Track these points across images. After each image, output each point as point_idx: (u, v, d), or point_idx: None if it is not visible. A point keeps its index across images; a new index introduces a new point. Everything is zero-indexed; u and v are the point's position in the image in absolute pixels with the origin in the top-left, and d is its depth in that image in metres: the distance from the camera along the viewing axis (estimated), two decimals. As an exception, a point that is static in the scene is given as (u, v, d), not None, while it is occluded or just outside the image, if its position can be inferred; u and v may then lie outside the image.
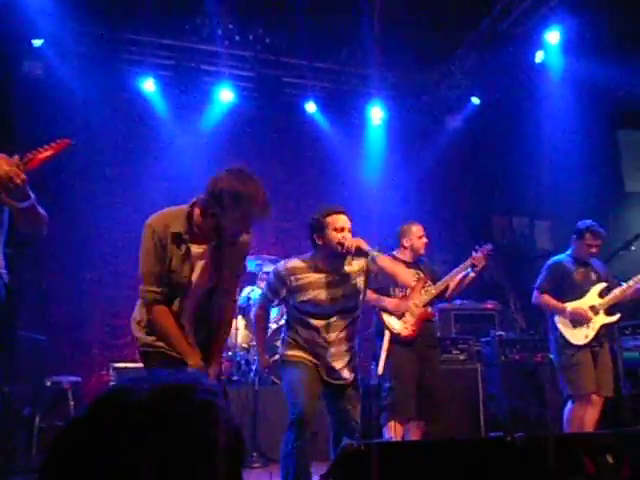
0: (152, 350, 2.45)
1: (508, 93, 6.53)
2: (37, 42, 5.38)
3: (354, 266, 3.10)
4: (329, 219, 2.97)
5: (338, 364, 3.06)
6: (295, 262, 3.06)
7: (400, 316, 3.89)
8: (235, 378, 5.23)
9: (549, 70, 6.17)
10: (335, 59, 6.62)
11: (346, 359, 3.09)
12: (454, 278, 4.02)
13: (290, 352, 3.07)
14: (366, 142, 7.34)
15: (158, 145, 6.45)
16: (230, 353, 5.27)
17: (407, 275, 3.35)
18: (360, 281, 3.12)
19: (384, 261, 3.05)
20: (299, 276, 3.01)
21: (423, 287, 4.01)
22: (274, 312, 5.53)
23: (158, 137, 6.47)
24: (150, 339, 2.46)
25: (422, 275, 4.05)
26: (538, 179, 6.76)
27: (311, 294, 3.00)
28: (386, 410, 3.79)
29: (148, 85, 6.36)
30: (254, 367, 5.15)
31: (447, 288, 4.04)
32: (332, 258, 3.02)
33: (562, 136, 6.32)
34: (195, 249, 2.44)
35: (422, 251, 4.07)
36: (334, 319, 3.04)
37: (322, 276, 3.03)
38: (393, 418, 3.71)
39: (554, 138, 6.39)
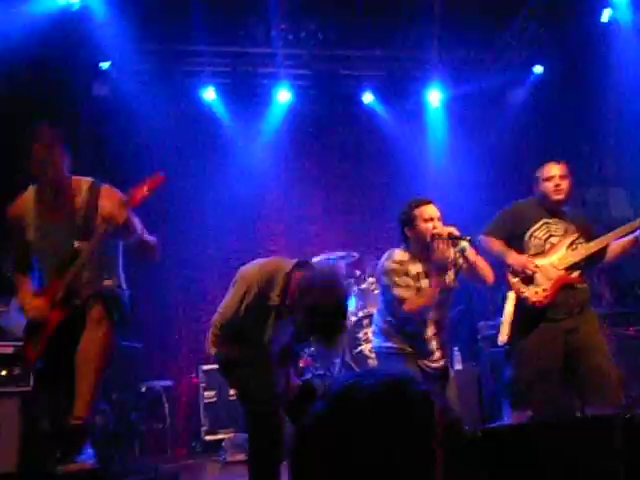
0: None
1: (574, 59, 6.36)
2: (105, 65, 5.82)
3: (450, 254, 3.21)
4: (417, 211, 3.13)
5: (435, 351, 3.22)
6: (398, 254, 3.22)
7: (528, 278, 3.36)
8: (320, 372, 5.48)
9: (618, 28, 5.93)
10: (390, 45, 6.71)
11: (442, 346, 3.26)
12: (620, 236, 3.38)
13: (387, 343, 3.24)
14: (426, 126, 7.36)
15: (223, 153, 6.76)
16: (312, 348, 5.57)
17: (490, 273, 3.23)
18: (450, 273, 3.25)
19: (472, 255, 3.15)
20: (408, 267, 3.18)
21: (571, 244, 3.43)
22: (352, 304, 5.79)
23: (222, 145, 6.78)
24: None
25: (570, 227, 3.48)
26: (611, 147, 6.66)
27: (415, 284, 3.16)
28: (508, 398, 3.44)
29: (208, 94, 6.69)
30: (338, 360, 5.44)
31: (605, 249, 3.43)
32: (425, 249, 3.14)
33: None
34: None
35: (558, 197, 3.44)
36: (432, 308, 3.18)
37: (421, 266, 3.20)
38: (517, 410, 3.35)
39: (629, 102, 6.10)
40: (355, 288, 5.80)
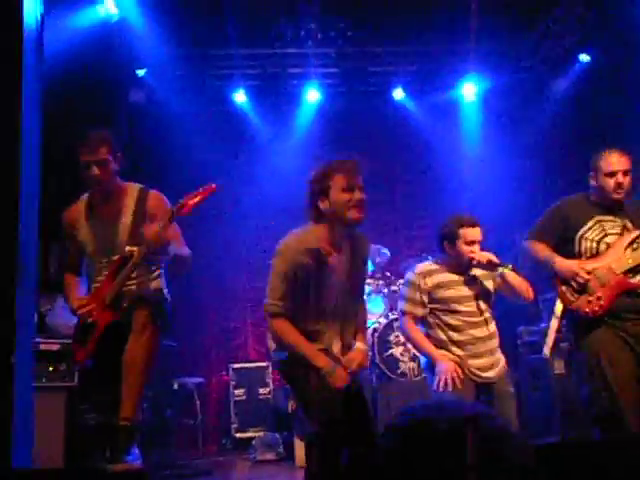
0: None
1: (625, 44, 5.95)
2: (141, 72, 6.10)
3: (480, 271, 3.28)
4: (462, 231, 3.16)
5: (482, 363, 3.18)
6: (422, 265, 3.33)
7: (581, 285, 3.10)
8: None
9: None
10: (421, 39, 6.66)
11: (492, 355, 3.22)
12: None
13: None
14: (460, 121, 7.32)
15: (254, 154, 6.94)
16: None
17: (529, 292, 3.18)
18: (489, 284, 3.30)
19: (513, 278, 3.15)
20: (434, 277, 3.24)
21: (631, 244, 3.13)
22: (381, 306, 5.90)
23: (253, 146, 6.97)
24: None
25: (629, 224, 3.19)
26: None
27: (445, 292, 3.22)
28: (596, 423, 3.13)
29: (239, 97, 6.90)
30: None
31: None
32: (460, 265, 3.25)
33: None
34: (331, 261, 2.67)
35: (618, 196, 3.15)
36: (472, 318, 3.20)
37: (454, 276, 3.25)
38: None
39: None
40: (385, 290, 5.89)
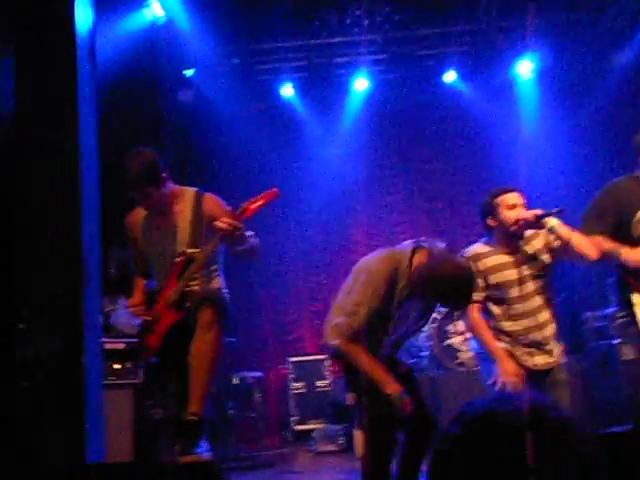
0: None
1: None
2: (189, 72, 6.23)
3: (536, 244, 3.10)
4: (499, 199, 3.07)
5: (538, 347, 3.09)
6: (473, 249, 3.17)
7: None
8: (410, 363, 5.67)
9: None
10: (472, 17, 6.54)
11: (546, 342, 3.10)
12: None
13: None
14: (516, 101, 7.15)
15: (303, 147, 7.03)
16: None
17: (591, 249, 3.00)
18: (546, 257, 3.11)
19: (565, 232, 2.97)
20: (484, 260, 3.11)
21: None
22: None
23: (302, 139, 7.05)
24: None
25: None
26: None
27: (496, 277, 3.09)
28: None
29: (287, 90, 6.95)
30: (426, 353, 5.55)
31: None
32: (509, 239, 3.08)
33: None
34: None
35: None
36: (527, 302, 3.08)
37: (505, 257, 3.10)
38: None
39: None
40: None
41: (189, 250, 3.06)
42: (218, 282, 3.23)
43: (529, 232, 3.11)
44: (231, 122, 6.64)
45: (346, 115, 7.15)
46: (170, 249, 3.12)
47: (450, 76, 7.07)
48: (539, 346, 3.10)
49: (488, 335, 3.11)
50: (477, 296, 3.08)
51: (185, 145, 6.41)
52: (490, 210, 3.12)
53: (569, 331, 5.73)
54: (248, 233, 3.00)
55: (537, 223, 3.03)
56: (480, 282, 3.08)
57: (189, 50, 5.99)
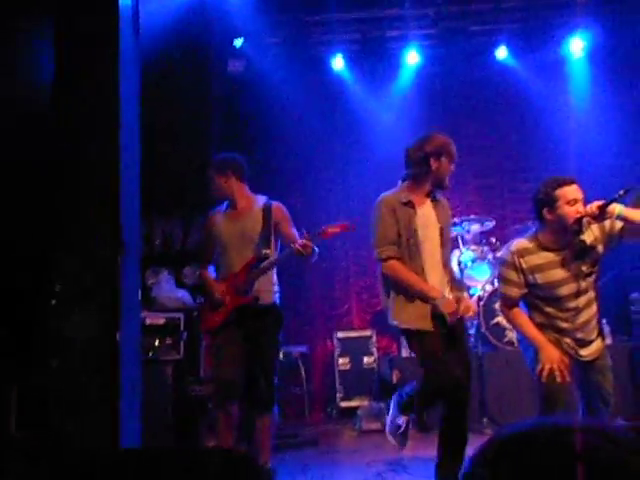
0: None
1: None
2: (238, 41, 5.93)
3: (591, 234, 2.85)
4: (560, 191, 2.77)
5: (583, 342, 2.90)
6: (518, 243, 2.92)
7: None
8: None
9: None
10: None
11: (592, 334, 2.92)
12: None
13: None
14: (567, 80, 6.78)
15: (353, 121, 6.69)
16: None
17: None
18: (600, 248, 2.86)
19: (634, 214, 2.71)
20: (528, 258, 2.87)
21: None
22: (486, 273, 5.50)
23: (352, 112, 6.70)
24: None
25: None
26: None
27: (543, 276, 2.85)
28: None
29: (337, 63, 6.67)
30: (472, 331, 5.21)
31: None
32: (562, 234, 2.83)
33: None
34: (420, 210, 3.01)
35: None
36: (577, 301, 2.86)
37: (552, 255, 2.86)
38: None
39: None
40: (490, 256, 5.48)
41: (265, 250, 3.38)
42: (273, 278, 3.53)
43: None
44: (281, 93, 6.36)
45: (396, 89, 6.83)
46: (243, 246, 3.41)
47: (501, 52, 6.73)
48: (586, 341, 2.92)
49: (527, 323, 2.92)
50: (512, 292, 2.93)
51: (234, 116, 6.15)
52: (548, 202, 2.81)
53: (616, 312, 5.34)
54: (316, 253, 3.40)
55: (601, 215, 2.72)
56: (518, 278, 2.89)
57: (239, 19, 5.70)
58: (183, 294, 4.51)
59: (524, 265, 2.86)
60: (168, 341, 3.73)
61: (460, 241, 5.62)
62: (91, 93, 2.51)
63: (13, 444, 2.07)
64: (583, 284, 2.85)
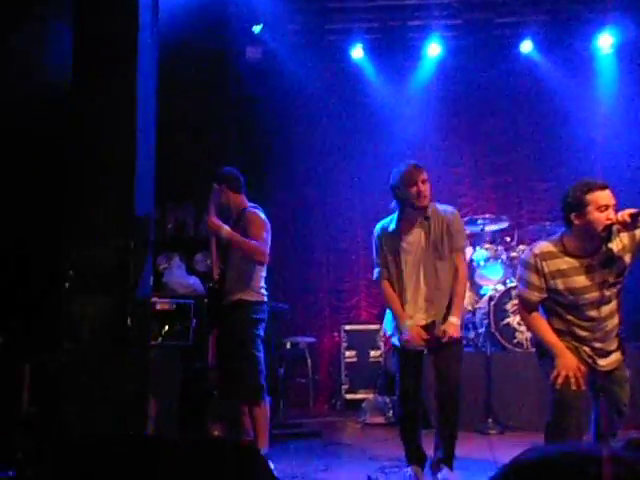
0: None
1: None
2: (257, 28, 5.95)
3: (619, 243, 2.79)
4: (590, 196, 2.68)
5: (602, 352, 2.88)
6: (543, 246, 2.89)
7: None
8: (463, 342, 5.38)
9: None
10: None
11: (612, 345, 2.90)
12: None
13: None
14: (594, 76, 6.66)
15: (370, 111, 6.67)
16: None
17: None
18: (628, 257, 2.82)
19: None
20: (551, 262, 2.83)
21: None
22: (499, 273, 5.51)
23: (370, 103, 6.69)
24: None
25: None
26: None
27: (565, 282, 2.82)
28: None
29: (357, 52, 6.65)
30: (482, 330, 5.25)
31: None
32: (589, 240, 2.77)
33: None
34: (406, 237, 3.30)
35: None
36: (599, 309, 2.83)
37: (576, 261, 2.81)
38: None
39: None
40: (504, 255, 5.50)
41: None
42: (247, 275, 3.75)
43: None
44: (299, 81, 6.38)
45: (416, 81, 6.80)
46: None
47: (526, 46, 6.65)
48: (605, 352, 2.90)
49: (546, 329, 2.90)
50: (532, 296, 2.90)
51: (251, 104, 6.18)
52: (577, 206, 2.73)
53: (633, 317, 5.30)
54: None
55: (633, 223, 2.67)
56: (539, 282, 2.86)
57: (258, 5, 5.71)
58: (194, 281, 4.61)
59: (546, 269, 2.82)
60: (177, 327, 3.81)
61: (478, 240, 5.65)
62: (109, 82, 2.58)
63: (25, 421, 2.17)
64: (607, 293, 2.81)
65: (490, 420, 4.69)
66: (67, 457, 2.00)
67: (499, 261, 5.47)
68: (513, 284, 5.20)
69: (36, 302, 2.34)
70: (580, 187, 2.74)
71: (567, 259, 2.81)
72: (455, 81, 6.73)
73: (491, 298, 5.26)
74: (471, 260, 5.47)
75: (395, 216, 3.33)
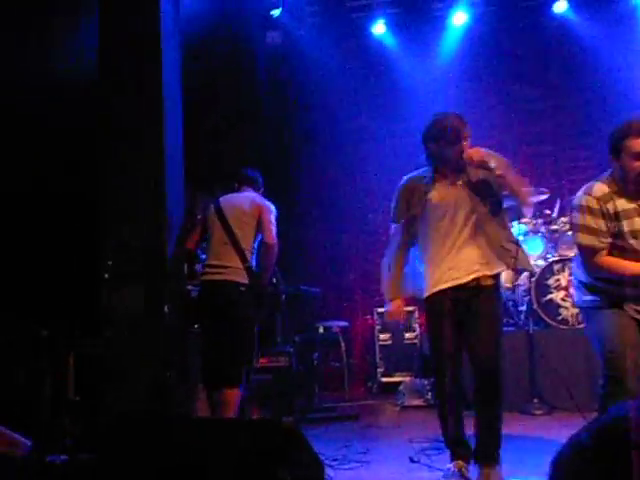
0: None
1: None
2: (275, 12, 6.01)
3: None
4: (627, 141, 2.73)
5: None
6: (599, 188, 2.83)
7: None
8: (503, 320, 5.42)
9: None
10: None
11: None
12: None
13: (589, 297, 2.93)
14: (635, 34, 6.47)
15: (398, 88, 6.71)
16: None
17: None
18: None
19: None
20: (611, 204, 2.80)
21: None
22: (539, 247, 5.51)
23: (396, 81, 6.73)
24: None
25: None
26: None
27: (629, 224, 2.79)
28: None
29: (378, 28, 6.68)
30: (523, 308, 5.25)
31: None
32: (631, 184, 2.78)
33: None
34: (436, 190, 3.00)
35: None
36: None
37: (628, 204, 2.80)
38: None
39: None
40: (544, 229, 5.52)
41: None
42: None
43: None
44: (320, 62, 6.46)
45: (442, 52, 6.79)
46: None
47: (560, 5, 6.56)
48: None
49: (623, 263, 2.79)
50: (596, 242, 2.81)
51: (274, 88, 6.26)
52: (615, 150, 2.80)
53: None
54: None
55: None
56: (605, 227, 2.80)
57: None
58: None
59: (611, 210, 2.80)
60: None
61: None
62: (134, 73, 2.71)
63: (71, 408, 2.35)
64: None
65: (536, 400, 4.65)
66: (112, 438, 2.13)
67: (539, 235, 5.47)
68: (555, 258, 5.22)
69: (76, 294, 2.51)
70: (618, 131, 2.80)
71: (619, 200, 2.81)
72: (483, 49, 6.68)
73: (532, 274, 5.19)
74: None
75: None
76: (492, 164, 2.87)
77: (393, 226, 3.15)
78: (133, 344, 2.59)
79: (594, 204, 2.80)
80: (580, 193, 2.91)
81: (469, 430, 3.01)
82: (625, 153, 2.74)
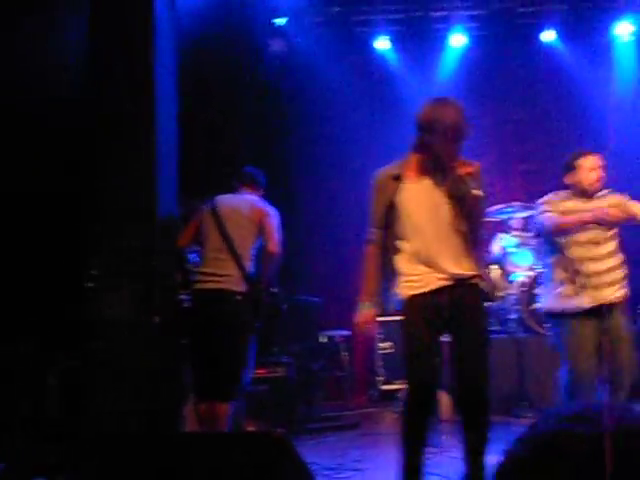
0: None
1: None
2: (280, 21, 5.73)
3: (607, 200, 3.14)
4: (581, 160, 3.17)
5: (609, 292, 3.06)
6: (556, 193, 3.26)
7: None
8: (494, 328, 5.15)
9: None
10: None
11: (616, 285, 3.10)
12: None
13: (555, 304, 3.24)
14: (614, 65, 6.45)
15: (398, 103, 6.36)
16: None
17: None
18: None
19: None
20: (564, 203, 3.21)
21: None
22: (528, 260, 5.30)
23: (397, 95, 6.45)
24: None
25: None
26: None
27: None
28: None
29: (381, 44, 6.47)
30: (514, 316, 5.03)
31: None
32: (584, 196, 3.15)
33: None
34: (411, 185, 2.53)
35: None
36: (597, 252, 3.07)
37: (582, 202, 3.13)
38: None
39: None
40: (533, 242, 5.26)
41: None
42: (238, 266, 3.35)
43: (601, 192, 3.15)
44: (323, 74, 6.21)
45: (441, 71, 6.59)
46: None
47: (549, 35, 6.44)
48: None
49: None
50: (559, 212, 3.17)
51: (275, 95, 6.02)
52: (568, 169, 3.22)
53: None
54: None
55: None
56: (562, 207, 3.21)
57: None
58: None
59: (561, 208, 3.20)
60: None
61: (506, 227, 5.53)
62: (126, 74, 2.44)
63: (54, 427, 2.03)
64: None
65: (525, 404, 4.53)
66: (100, 458, 1.88)
67: (528, 248, 5.33)
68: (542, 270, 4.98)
69: (57, 304, 2.20)
70: (572, 154, 3.26)
71: (574, 201, 3.18)
72: (479, 71, 6.51)
73: (522, 284, 5.11)
74: (502, 247, 5.36)
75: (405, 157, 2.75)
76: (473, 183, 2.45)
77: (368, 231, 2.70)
78: (120, 356, 2.26)
79: (551, 198, 3.24)
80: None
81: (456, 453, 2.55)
82: (582, 168, 3.15)
